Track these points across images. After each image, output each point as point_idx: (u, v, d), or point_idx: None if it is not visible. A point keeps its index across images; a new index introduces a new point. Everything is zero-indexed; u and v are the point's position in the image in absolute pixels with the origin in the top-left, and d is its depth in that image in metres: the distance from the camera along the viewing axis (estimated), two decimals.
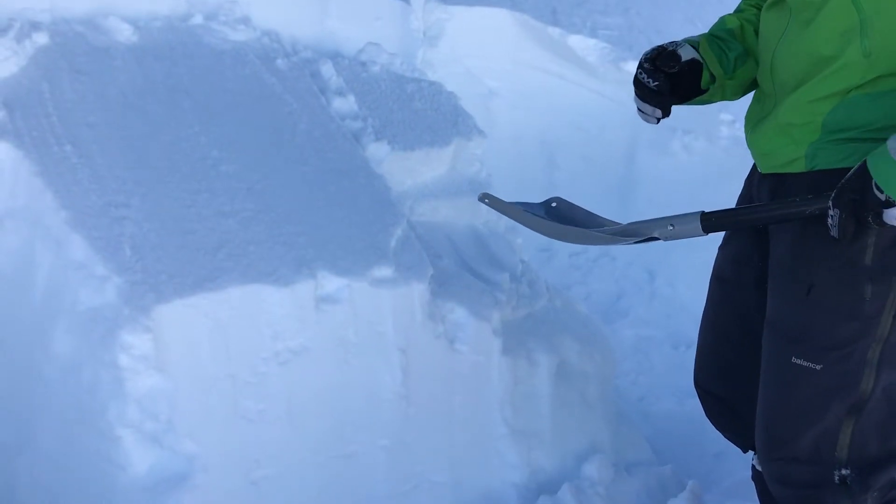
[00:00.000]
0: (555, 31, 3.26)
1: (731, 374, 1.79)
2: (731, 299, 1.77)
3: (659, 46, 1.67)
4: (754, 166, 1.67)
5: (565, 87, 3.33)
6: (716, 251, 3.28)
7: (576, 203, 1.83)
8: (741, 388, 1.74)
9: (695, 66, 1.65)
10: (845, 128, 1.47)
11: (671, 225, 1.61)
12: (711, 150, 3.28)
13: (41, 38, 2.09)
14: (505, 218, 2.47)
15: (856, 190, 1.39)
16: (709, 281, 1.87)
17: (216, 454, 1.73)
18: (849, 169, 1.43)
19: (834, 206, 1.41)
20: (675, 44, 1.66)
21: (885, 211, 1.37)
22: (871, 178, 1.37)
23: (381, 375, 1.94)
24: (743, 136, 3.43)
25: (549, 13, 3.35)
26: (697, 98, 1.69)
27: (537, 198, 3.45)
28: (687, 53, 1.64)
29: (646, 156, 3.37)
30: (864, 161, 1.39)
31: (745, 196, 1.72)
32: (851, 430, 1.55)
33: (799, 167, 1.52)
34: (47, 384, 1.79)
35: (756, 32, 1.67)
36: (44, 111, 1.96)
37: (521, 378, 2.13)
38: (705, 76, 1.66)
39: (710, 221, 1.58)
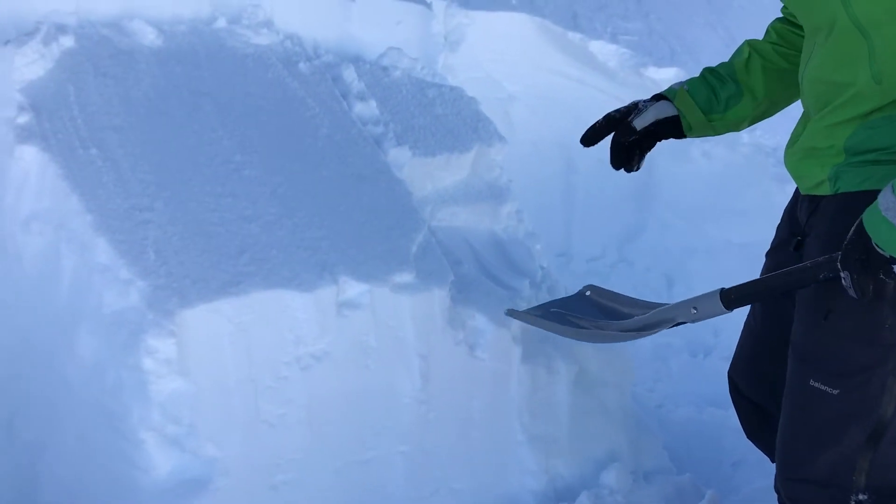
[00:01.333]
0: (575, 37, 3.25)
1: (768, 382, 1.80)
2: (773, 310, 1.78)
3: (626, 108, 1.79)
4: (796, 191, 1.70)
5: (585, 91, 3.32)
6: (736, 261, 3.28)
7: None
8: (777, 397, 1.74)
9: (668, 120, 1.76)
10: (866, 150, 1.48)
11: (694, 308, 1.65)
12: (731, 157, 3.27)
13: (67, 41, 2.10)
14: (525, 223, 2.49)
15: (859, 250, 1.39)
16: None
17: (237, 458, 1.74)
18: (873, 191, 1.44)
19: (843, 269, 1.41)
20: (641, 107, 1.78)
21: (894, 266, 1.37)
22: (870, 238, 1.37)
23: (400, 381, 1.94)
24: (762, 143, 3.44)
25: (569, 18, 3.35)
26: (688, 135, 1.78)
27: (557, 201, 3.46)
28: (650, 117, 1.76)
29: (665, 161, 3.36)
30: (861, 220, 1.38)
31: (790, 211, 1.73)
32: (871, 456, 1.54)
33: (825, 190, 1.53)
34: (70, 385, 1.81)
35: (764, 66, 1.73)
36: (69, 114, 1.97)
37: (540, 385, 2.13)
38: (685, 124, 1.77)
39: (729, 298, 1.63)
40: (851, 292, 1.41)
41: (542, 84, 3.26)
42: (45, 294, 1.86)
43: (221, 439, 1.72)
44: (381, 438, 1.91)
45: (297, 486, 1.81)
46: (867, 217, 1.37)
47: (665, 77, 3.33)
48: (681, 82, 1.82)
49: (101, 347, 1.73)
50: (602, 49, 3.27)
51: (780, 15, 1.79)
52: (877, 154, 1.47)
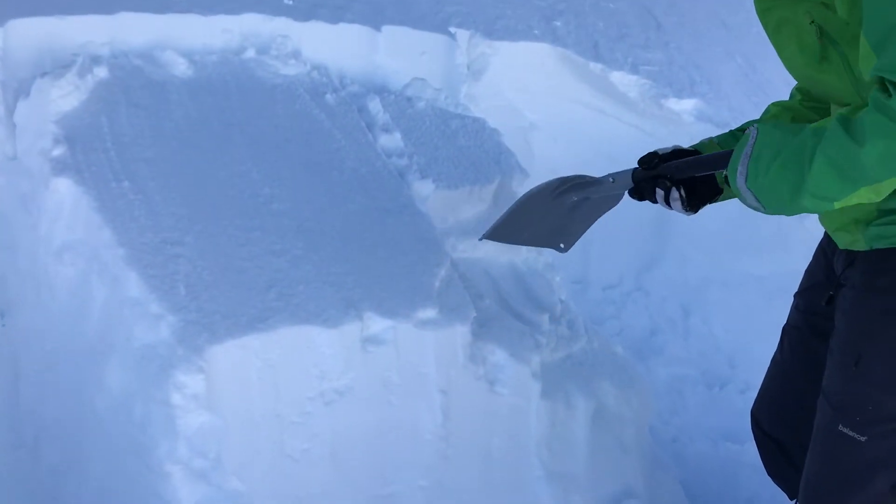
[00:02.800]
0: (596, 67, 3.27)
1: (792, 420, 1.81)
2: (801, 348, 1.80)
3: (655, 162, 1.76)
4: (826, 234, 1.71)
5: (605, 121, 3.34)
6: (753, 293, 3.27)
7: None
8: (799, 436, 1.76)
9: (689, 154, 1.73)
10: None
11: (612, 178, 1.82)
12: None
13: (101, 72, 2.14)
14: (544, 255, 2.51)
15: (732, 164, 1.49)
16: (782, 328, 1.90)
17: (261, 492, 1.76)
18: None
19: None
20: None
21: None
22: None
23: (422, 416, 1.96)
24: None
25: (590, 48, 3.37)
26: (725, 196, 1.75)
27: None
28: (670, 149, 1.77)
29: None
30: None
31: (824, 256, 1.75)
32: None
33: (861, 246, 1.56)
34: (98, 415, 1.84)
35: (794, 118, 1.72)
36: (102, 146, 2.01)
37: (559, 421, 2.15)
38: (719, 177, 1.72)
39: (637, 176, 1.74)
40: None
41: (563, 113, 3.28)
42: (74, 324, 1.89)
43: (246, 473, 1.74)
44: (402, 473, 1.93)
45: None
46: (732, 162, 1.47)
47: (685, 108, 3.35)
48: (710, 138, 1.81)
49: (130, 380, 1.75)
50: (623, 80, 3.29)
51: None
52: None
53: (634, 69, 3.36)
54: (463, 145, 2.58)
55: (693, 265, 3.33)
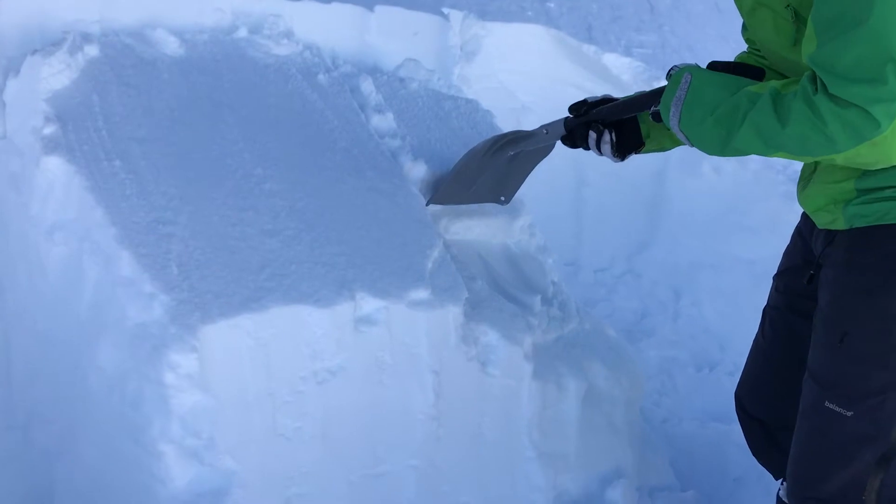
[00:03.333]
0: (590, 49, 3.27)
1: (776, 401, 1.84)
2: (782, 329, 1.82)
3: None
4: (804, 215, 1.73)
5: None
6: (743, 276, 3.30)
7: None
8: (783, 416, 1.78)
9: (613, 103, 1.85)
10: (878, 188, 1.52)
11: (545, 130, 1.96)
12: (741, 173, 3.29)
13: (92, 50, 2.12)
14: (537, 237, 2.51)
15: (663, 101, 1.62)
16: (763, 309, 1.92)
17: (254, 471, 1.77)
18: (887, 225, 1.50)
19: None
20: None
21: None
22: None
23: (413, 396, 1.97)
24: (772, 161, 3.46)
25: (584, 30, 3.37)
26: (648, 148, 1.88)
27: (567, 211, 3.48)
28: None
29: (676, 176, 3.38)
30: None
31: (802, 237, 1.77)
32: (881, 478, 1.58)
33: (840, 225, 1.57)
34: (91, 395, 1.84)
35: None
36: (94, 125, 2.00)
37: (550, 402, 2.16)
38: (643, 130, 1.85)
39: (568, 126, 1.89)
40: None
41: (556, 95, 3.27)
42: (66, 303, 1.89)
43: (239, 452, 1.75)
44: (394, 453, 1.94)
45: (311, 499, 1.85)
46: (665, 97, 1.60)
47: None
48: (641, 91, 1.88)
49: (123, 360, 1.75)
50: (616, 62, 3.29)
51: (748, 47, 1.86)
52: (891, 191, 1.52)
53: (628, 51, 3.36)
54: (456, 126, 2.58)
55: (684, 248, 3.34)
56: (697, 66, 1.60)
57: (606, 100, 1.87)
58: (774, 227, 3.34)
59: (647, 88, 3.45)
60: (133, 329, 1.73)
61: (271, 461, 1.80)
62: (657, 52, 3.48)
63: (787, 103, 1.42)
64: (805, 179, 1.68)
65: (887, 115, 1.35)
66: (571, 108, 1.90)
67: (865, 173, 1.52)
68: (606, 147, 1.82)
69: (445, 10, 2.97)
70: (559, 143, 2.02)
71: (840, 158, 1.46)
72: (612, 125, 1.82)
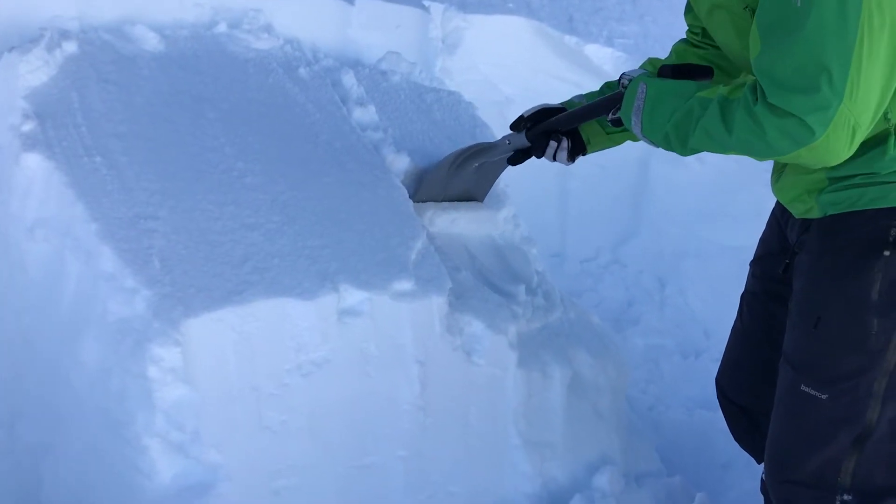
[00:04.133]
0: (571, 40, 3.28)
1: (756, 387, 1.85)
2: (760, 314, 1.84)
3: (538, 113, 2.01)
4: (779, 203, 1.75)
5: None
6: (728, 264, 3.31)
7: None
8: (764, 401, 1.80)
9: (555, 111, 2.00)
10: (849, 175, 1.54)
11: (508, 140, 2.07)
12: (724, 162, 3.31)
13: (70, 47, 2.11)
14: (521, 228, 2.52)
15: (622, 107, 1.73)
16: (741, 295, 1.93)
17: (239, 464, 1.77)
18: (860, 211, 1.54)
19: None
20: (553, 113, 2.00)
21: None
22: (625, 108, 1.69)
23: (399, 387, 1.98)
24: None
25: (565, 21, 3.38)
26: (590, 150, 2.01)
27: (552, 202, 3.48)
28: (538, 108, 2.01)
29: (659, 164, 3.40)
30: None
31: (778, 225, 1.79)
32: (856, 458, 1.60)
33: (815, 214, 1.59)
34: (75, 391, 1.83)
35: None
36: (73, 121, 1.99)
37: (536, 390, 2.17)
38: (584, 136, 1.98)
39: (528, 128, 2.00)
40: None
41: (539, 87, 3.29)
42: (49, 299, 1.89)
43: (224, 446, 1.75)
44: (381, 444, 1.95)
45: (298, 491, 1.85)
46: (624, 108, 1.70)
47: None
48: (577, 95, 2.03)
49: (105, 354, 1.75)
50: (598, 53, 3.31)
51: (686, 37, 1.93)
52: (861, 178, 1.55)
53: (609, 42, 3.37)
54: (438, 119, 2.58)
55: (668, 237, 3.36)
56: (649, 75, 1.69)
57: (544, 109, 2.00)
58: (758, 214, 3.34)
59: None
60: (115, 324, 1.73)
61: (258, 454, 1.80)
62: (639, 42, 3.49)
63: (732, 111, 1.50)
64: (778, 171, 1.70)
65: (821, 123, 1.40)
66: (513, 125, 2.05)
67: None
68: (563, 154, 1.97)
69: (426, 3, 2.97)
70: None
71: (783, 159, 1.52)
72: (566, 133, 1.95)
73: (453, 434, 2.05)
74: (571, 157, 2.00)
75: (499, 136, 2.70)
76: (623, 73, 1.75)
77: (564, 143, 1.96)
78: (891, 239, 1.53)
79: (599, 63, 3.32)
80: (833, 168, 1.54)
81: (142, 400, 1.70)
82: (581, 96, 2.03)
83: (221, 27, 2.42)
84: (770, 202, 3.18)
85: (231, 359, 1.77)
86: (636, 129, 1.68)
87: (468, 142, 2.58)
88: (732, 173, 3.30)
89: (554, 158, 1.99)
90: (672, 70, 1.68)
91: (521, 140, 2.03)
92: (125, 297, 1.74)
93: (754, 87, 1.48)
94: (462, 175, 2.26)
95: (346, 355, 1.90)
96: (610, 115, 1.77)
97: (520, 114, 2.04)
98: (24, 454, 2.00)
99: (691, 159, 3.33)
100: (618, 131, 1.94)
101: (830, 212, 1.59)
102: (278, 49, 2.47)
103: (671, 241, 3.35)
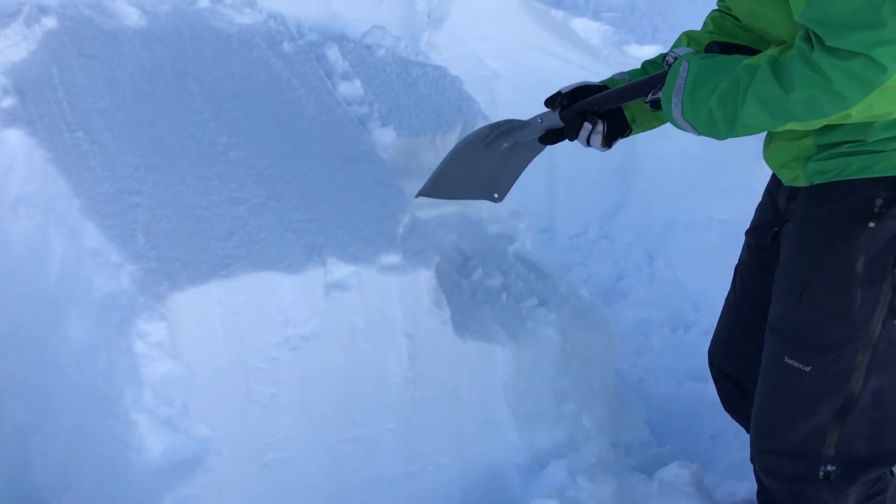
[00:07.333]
0: (558, 14, 3.25)
1: (747, 357, 1.85)
2: (752, 285, 1.84)
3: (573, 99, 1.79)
4: (774, 175, 1.74)
5: (568, 69, 3.33)
6: (716, 237, 3.31)
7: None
8: (753, 372, 1.80)
9: (596, 88, 1.77)
10: (837, 143, 1.53)
11: (540, 119, 1.85)
12: None
13: (50, 22, 2.09)
14: (508, 203, 2.51)
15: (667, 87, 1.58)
16: (735, 267, 1.93)
17: (229, 438, 1.77)
18: (847, 181, 1.52)
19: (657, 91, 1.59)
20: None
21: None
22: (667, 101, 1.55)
23: (388, 360, 1.98)
24: None
25: None
26: (635, 131, 1.81)
27: (540, 178, 3.48)
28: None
29: (646, 138, 3.36)
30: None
31: (772, 193, 1.78)
32: (840, 429, 1.61)
33: (802, 182, 1.59)
34: (61, 368, 1.83)
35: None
36: (54, 97, 1.97)
37: (524, 363, 2.17)
38: (628, 116, 1.77)
39: (564, 106, 1.78)
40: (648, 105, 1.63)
41: (526, 61, 3.27)
42: (33, 277, 1.87)
43: (213, 420, 1.75)
44: (370, 416, 1.95)
45: (288, 464, 1.85)
46: (665, 89, 1.55)
47: (647, 54, 3.34)
48: (620, 73, 1.84)
49: (92, 331, 1.74)
50: (584, 26, 3.28)
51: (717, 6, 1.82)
52: (848, 146, 1.53)
53: (596, 16, 3.35)
54: (424, 93, 2.56)
55: (657, 210, 3.36)
56: (694, 53, 1.57)
57: (583, 87, 1.78)
58: (746, 186, 3.35)
59: (617, 53, 3.46)
60: (101, 300, 1.72)
61: (247, 428, 1.81)
62: (626, 15, 3.47)
63: (787, 68, 1.38)
64: (769, 136, 1.69)
65: (892, 57, 1.31)
66: (548, 102, 1.82)
67: (825, 128, 1.52)
68: (597, 138, 1.74)
69: None
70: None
71: (854, 116, 1.42)
72: (603, 115, 1.74)
73: (443, 406, 2.05)
74: (608, 142, 1.77)
75: (484, 111, 2.69)
76: (669, 52, 1.61)
77: (599, 127, 1.73)
78: (876, 210, 1.51)
79: (586, 37, 3.30)
80: (821, 134, 1.53)
81: (129, 375, 1.69)
82: (623, 73, 1.84)
83: (204, 2, 2.40)
84: (758, 173, 3.18)
85: (218, 333, 1.77)
86: (676, 113, 1.52)
87: (454, 116, 2.57)
88: (720, 145, 3.28)
89: (588, 143, 1.77)
90: (720, 46, 1.56)
91: (555, 119, 1.81)
92: (110, 272, 1.73)
93: (807, 37, 1.35)
94: (490, 159, 2.01)
95: (335, 329, 1.90)
96: (649, 95, 1.61)
97: (557, 91, 1.81)
98: (12, 432, 1.99)
99: (678, 131, 3.32)
100: None
101: (816, 181, 1.57)
102: (261, 24, 2.45)
103: (660, 215, 3.34)
